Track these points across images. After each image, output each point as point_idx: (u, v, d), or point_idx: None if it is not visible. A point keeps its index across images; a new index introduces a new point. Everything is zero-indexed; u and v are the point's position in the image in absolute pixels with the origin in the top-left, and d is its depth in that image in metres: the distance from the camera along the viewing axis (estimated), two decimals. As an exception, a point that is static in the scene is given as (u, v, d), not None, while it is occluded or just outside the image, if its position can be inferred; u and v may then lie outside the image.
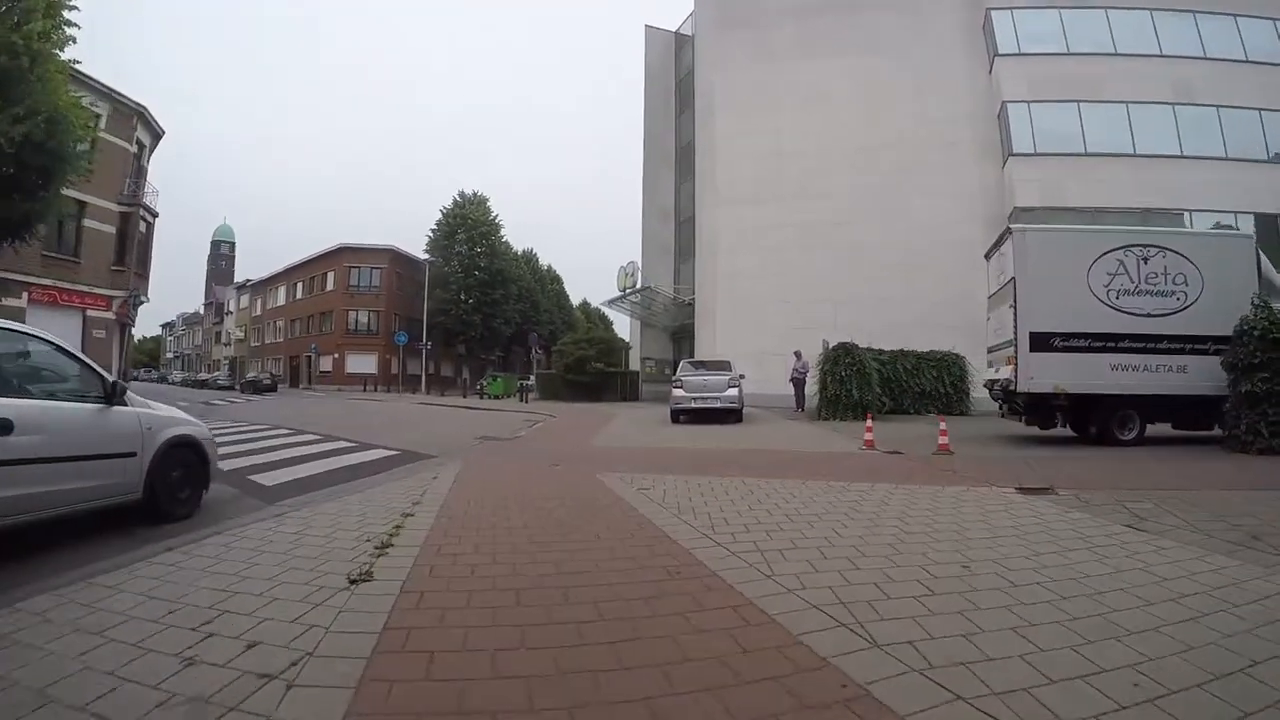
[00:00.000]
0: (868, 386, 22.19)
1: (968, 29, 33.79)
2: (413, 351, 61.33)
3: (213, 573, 5.21)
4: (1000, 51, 32.85)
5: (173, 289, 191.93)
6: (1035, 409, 15.58)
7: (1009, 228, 16.15)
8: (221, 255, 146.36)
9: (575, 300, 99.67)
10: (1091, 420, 15.53)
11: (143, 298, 37.99)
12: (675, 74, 45.46)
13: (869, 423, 14.75)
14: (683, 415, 21.18)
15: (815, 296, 30.95)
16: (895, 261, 31.21)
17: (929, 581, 4.95)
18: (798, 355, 26.19)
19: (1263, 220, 28.04)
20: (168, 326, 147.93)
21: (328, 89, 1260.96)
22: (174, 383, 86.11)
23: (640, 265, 39.25)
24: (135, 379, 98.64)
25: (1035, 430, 16.33)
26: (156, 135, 41.40)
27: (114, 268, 35.52)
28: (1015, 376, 14.92)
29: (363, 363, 66.73)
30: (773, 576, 5.06)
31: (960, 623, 4.14)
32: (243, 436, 17.52)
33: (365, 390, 57.81)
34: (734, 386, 21.10)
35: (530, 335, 50.60)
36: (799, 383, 26.06)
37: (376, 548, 5.90)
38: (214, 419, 23.51)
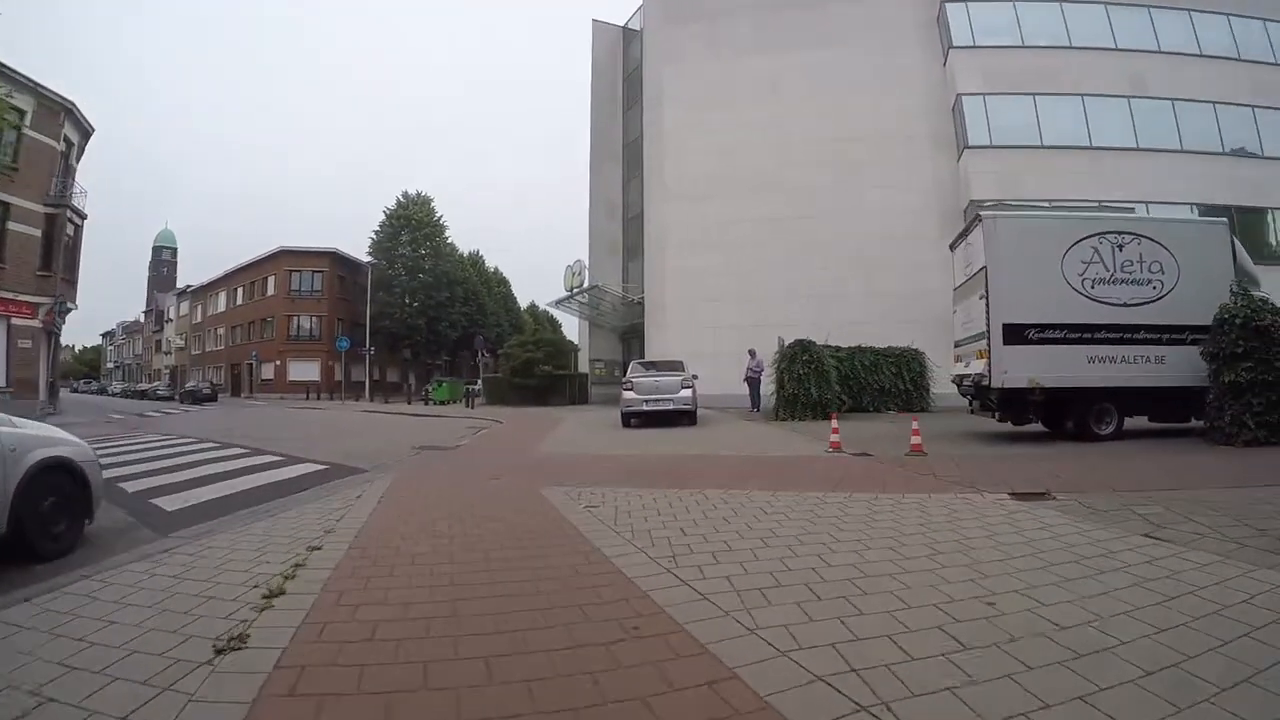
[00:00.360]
0: (826, 384, 21.39)
1: (923, 23, 33.13)
2: (356, 357, 60.20)
3: (60, 635, 4.22)
4: (955, 44, 32.16)
5: (114, 297, 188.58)
6: (1009, 405, 14.66)
7: (979, 215, 15.20)
8: (163, 261, 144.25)
9: (524, 303, 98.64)
10: (1068, 415, 14.73)
11: (70, 304, 36.11)
12: (623, 69, 44.30)
13: (834, 423, 13.76)
14: (634, 419, 20.17)
15: (770, 294, 30.10)
16: (851, 257, 30.46)
17: (953, 628, 3.94)
18: (752, 354, 25.29)
19: (1217, 212, 27.62)
20: (108, 336, 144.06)
21: (272, 85, 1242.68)
22: (113, 393, 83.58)
23: (587, 264, 38.07)
24: (75, 390, 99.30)
25: (1006, 427, 15.50)
26: (86, 133, 39.53)
27: (40, 273, 33.55)
28: (989, 371, 14.02)
29: (305, 370, 64.89)
30: (757, 630, 4.01)
31: (1013, 693, 3.16)
32: (164, 452, 16.34)
33: (308, 398, 55.85)
34: (687, 387, 20.09)
35: (476, 338, 49.57)
36: (754, 382, 25.18)
37: (264, 595, 4.91)
38: (144, 431, 23.21)
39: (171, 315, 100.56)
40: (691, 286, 31.52)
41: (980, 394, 15.15)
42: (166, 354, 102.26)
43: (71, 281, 37.76)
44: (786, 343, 22.11)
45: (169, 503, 9.56)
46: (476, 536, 6.65)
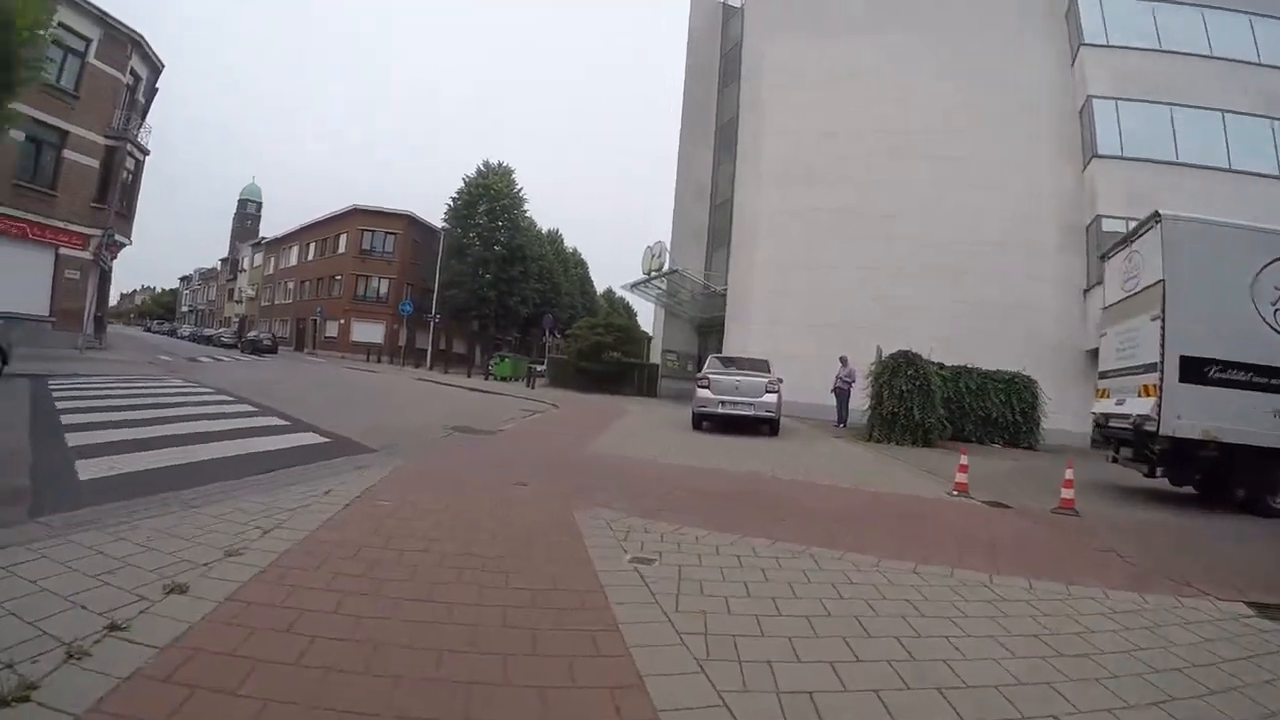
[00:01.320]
0: (930, 406, 18.63)
1: (1050, 13, 29.88)
2: (422, 324, 59.00)
3: None
4: (1087, 40, 28.79)
5: (200, 246, 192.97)
6: (1175, 459, 11.34)
7: (1156, 214, 12.22)
8: (247, 214, 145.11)
9: (600, 287, 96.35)
10: (1239, 480, 11.39)
11: (122, 239, 34.87)
12: (721, 46, 41.48)
13: (964, 459, 10.75)
14: (706, 421, 17.63)
15: (860, 296, 27.30)
16: (950, 263, 27.39)
17: None
18: (844, 361, 22.64)
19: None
20: (185, 280, 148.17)
21: (352, 54, 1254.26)
22: (180, 336, 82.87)
23: (669, 247, 35.26)
24: (148, 329, 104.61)
25: (1146, 481, 12.44)
26: (156, 69, 38.23)
27: (94, 204, 32.27)
28: (1156, 414, 11.08)
29: (369, 331, 63.90)
30: None
31: None
32: (165, 400, 14.99)
33: (368, 359, 54.92)
34: (772, 392, 17.38)
35: (545, 317, 47.24)
36: (843, 393, 22.58)
37: (69, 654, 3.15)
38: (175, 377, 22.22)
39: (245, 265, 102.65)
40: (779, 280, 28.71)
41: (1139, 441, 12.03)
42: (237, 303, 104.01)
43: (127, 216, 36.50)
44: (886, 353, 19.47)
45: (96, 467, 7.70)
46: (456, 594, 4.35)
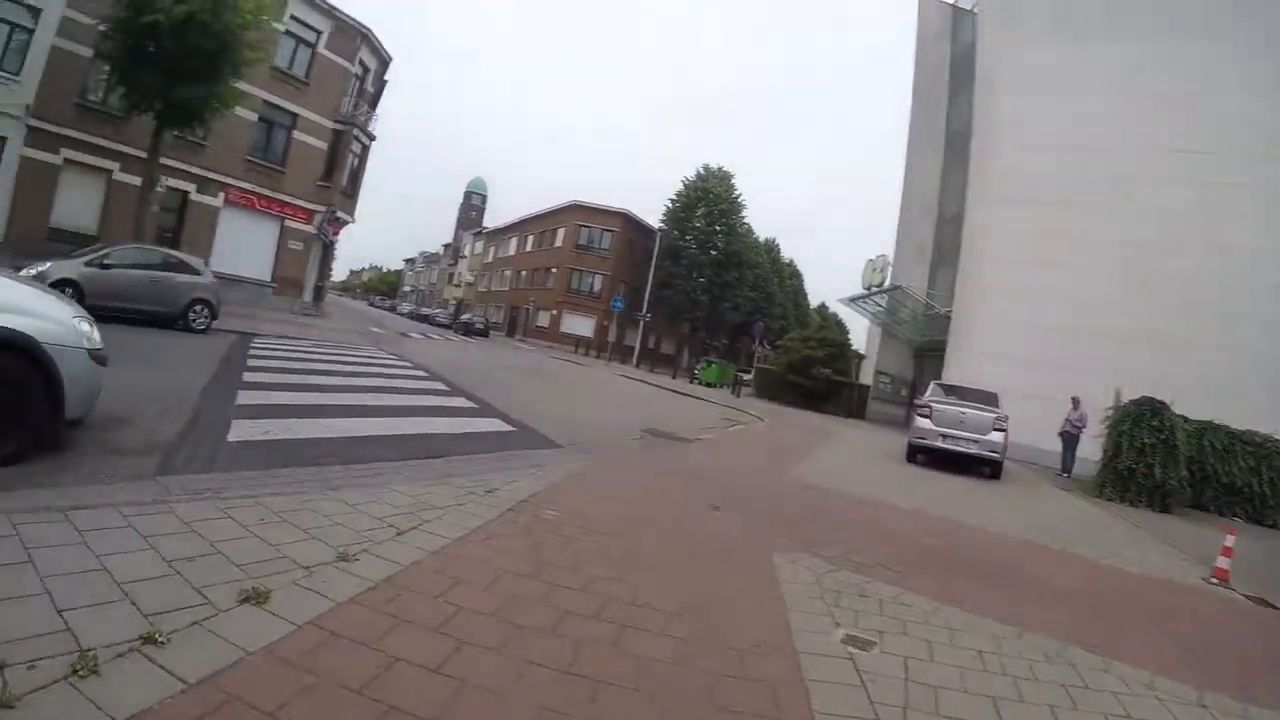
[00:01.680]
0: (1174, 465, 16.35)
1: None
2: (632, 321, 59.36)
3: None
4: None
5: (428, 234, 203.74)
6: None
7: None
8: (472, 206, 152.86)
9: (814, 301, 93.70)
10: None
11: (345, 216, 37.38)
12: (951, 51, 38.74)
13: (1229, 540, 8.91)
14: (922, 455, 16.31)
15: (1102, 331, 24.80)
16: (1206, 300, 24.36)
17: None
18: (1075, 403, 20.74)
19: None
20: (410, 262, 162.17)
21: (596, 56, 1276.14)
22: (400, 313, 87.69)
23: (891, 262, 33.61)
24: (372, 304, 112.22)
25: None
26: (384, 61, 40.88)
27: (320, 183, 35.10)
28: None
29: (579, 324, 65.19)
30: None
31: None
32: (360, 370, 15.50)
33: (575, 351, 55.35)
34: (1000, 430, 15.79)
35: (755, 325, 46.37)
36: (1071, 439, 20.73)
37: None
38: (380, 348, 22.89)
39: (466, 252, 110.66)
40: (1008, 307, 26.37)
41: None
42: (456, 286, 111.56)
43: (351, 196, 39.27)
44: (1126, 398, 17.57)
45: (251, 429, 7.52)
46: (586, 681, 3.27)
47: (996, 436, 15.75)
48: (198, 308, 18.04)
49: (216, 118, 23.60)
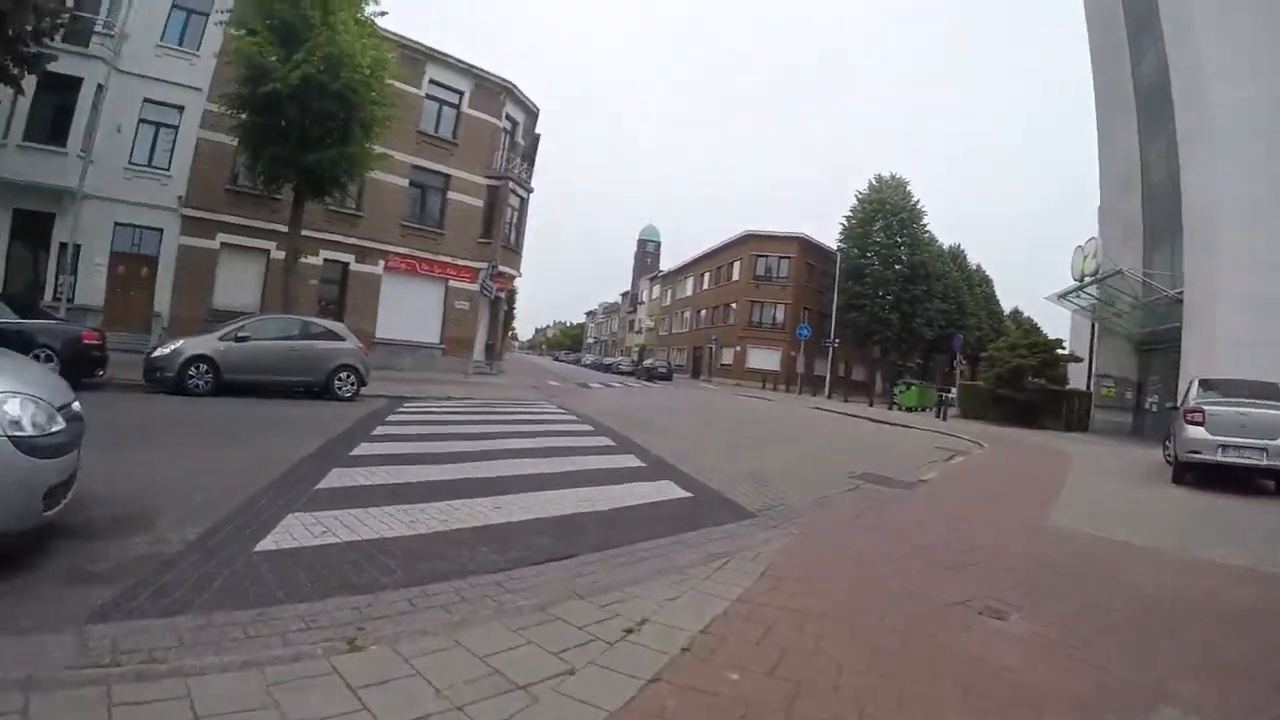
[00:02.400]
0: None
1: None
2: (819, 350, 56.80)
3: None
4: None
5: (609, 286, 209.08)
6: None
7: None
8: (647, 253, 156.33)
9: (1006, 307, 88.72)
10: None
11: (508, 270, 36.81)
12: (1124, -4, 33.70)
13: None
14: (1194, 473, 13.36)
15: None
16: None
17: None
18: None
19: None
20: (590, 315, 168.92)
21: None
22: (584, 364, 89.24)
23: (1100, 246, 29.56)
24: (557, 359, 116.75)
25: None
26: (531, 112, 40.74)
27: (480, 240, 35.10)
28: None
29: (764, 358, 63.20)
30: None
31: None
32: (518, 429, 14.27)
33: (763, 387, 53.75)
34: None
35: (955, 338, 43.17)
36: None
37: None
38: (548, 402, 22.22)
39: (644, 298, 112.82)
40: (1256, 282, 22.24)
41: None
42: (637, 333, 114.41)
43: (514, 250, 38.84)
44: None
45: (302, 529, 5.71)
46: None
47: None
48: (343, 375, 17.77)
49: (356, 180, 24.10)
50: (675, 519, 7.15)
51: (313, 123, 19.54)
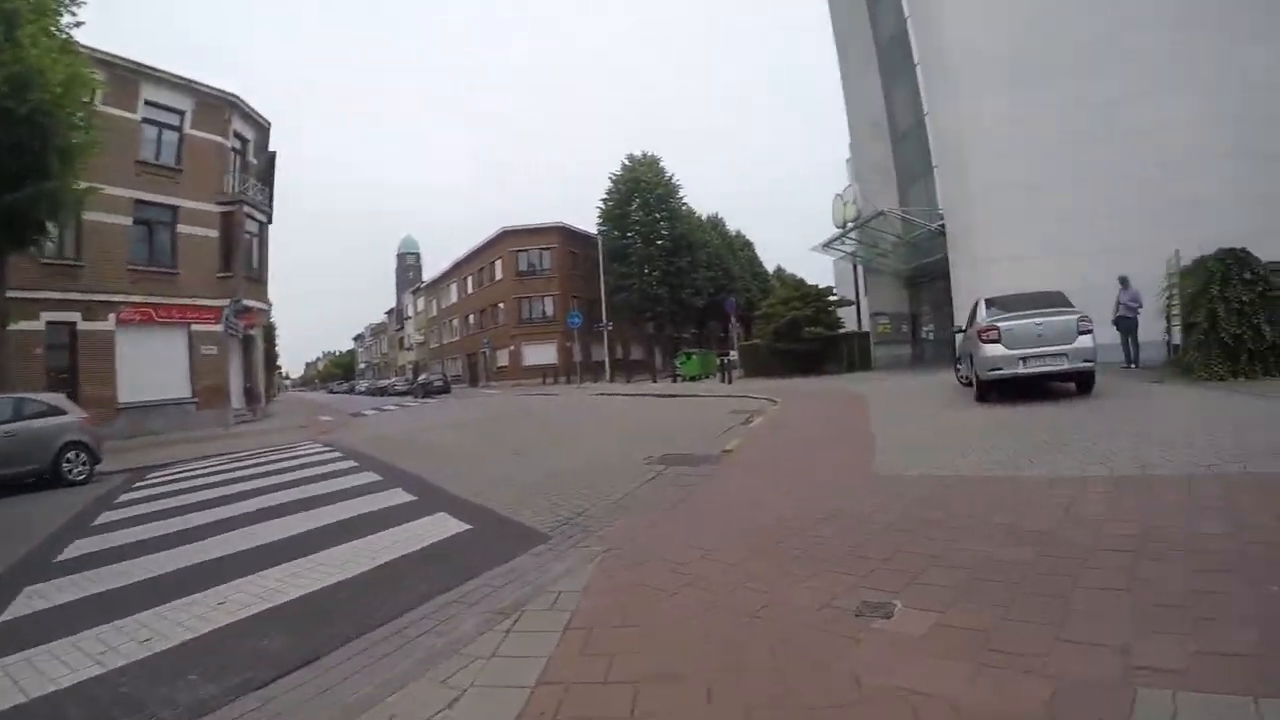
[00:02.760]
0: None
1: None
2: (594, 335, 56.60)
3: None
4: None
5: (372, 307, 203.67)
6: None
7: None
8: (408, 266, 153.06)
9: (769, 268, 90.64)
10: None
11: (254, 303, 33.11)
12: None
13: None
14: (995, 390, 13.09)
15: (1117, 204, 21.74)
16: (1229, 145, 21.27)
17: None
18: (1125, 283, 17.77)
19: None
20: (358, 339, 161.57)
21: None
22: (358, 392, 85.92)
23: (859, 192, 30.32)
24: (331, 390, 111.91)
25: None
26: (261, 128, 37.16)
27: (220, 275, 31.36)
28: None
29: (540, 353, 62.22)
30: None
31: None
32: (273, 482, 11.91)
33: (544, 383, 52.73)
34: (1087, 332, 12.62)
35: (728, 302, 43.19)
36: (1130, 323, 17.76)
37: None
38: (315, 441, 19.94)
39: (410, 313, 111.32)
40: (1008, 202, 23.18)
41: None
42: (408, 350, 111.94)
43: (258, 280, 35.67)
44: (1189, 258, 14.76)
45: None
46: None
47: (1086, 341, 12.52)
48: (71, 455, 14.79)
49: (61, 221, 21.14)
50: (451, 565, 5.69)
51: (1, 157, 16.54)
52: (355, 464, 13.31)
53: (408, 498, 8.97)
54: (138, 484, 13.69)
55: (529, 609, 4.39)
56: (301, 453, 16.57)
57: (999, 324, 12.96)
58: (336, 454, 15.34)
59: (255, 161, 36.39)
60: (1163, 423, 9.23)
